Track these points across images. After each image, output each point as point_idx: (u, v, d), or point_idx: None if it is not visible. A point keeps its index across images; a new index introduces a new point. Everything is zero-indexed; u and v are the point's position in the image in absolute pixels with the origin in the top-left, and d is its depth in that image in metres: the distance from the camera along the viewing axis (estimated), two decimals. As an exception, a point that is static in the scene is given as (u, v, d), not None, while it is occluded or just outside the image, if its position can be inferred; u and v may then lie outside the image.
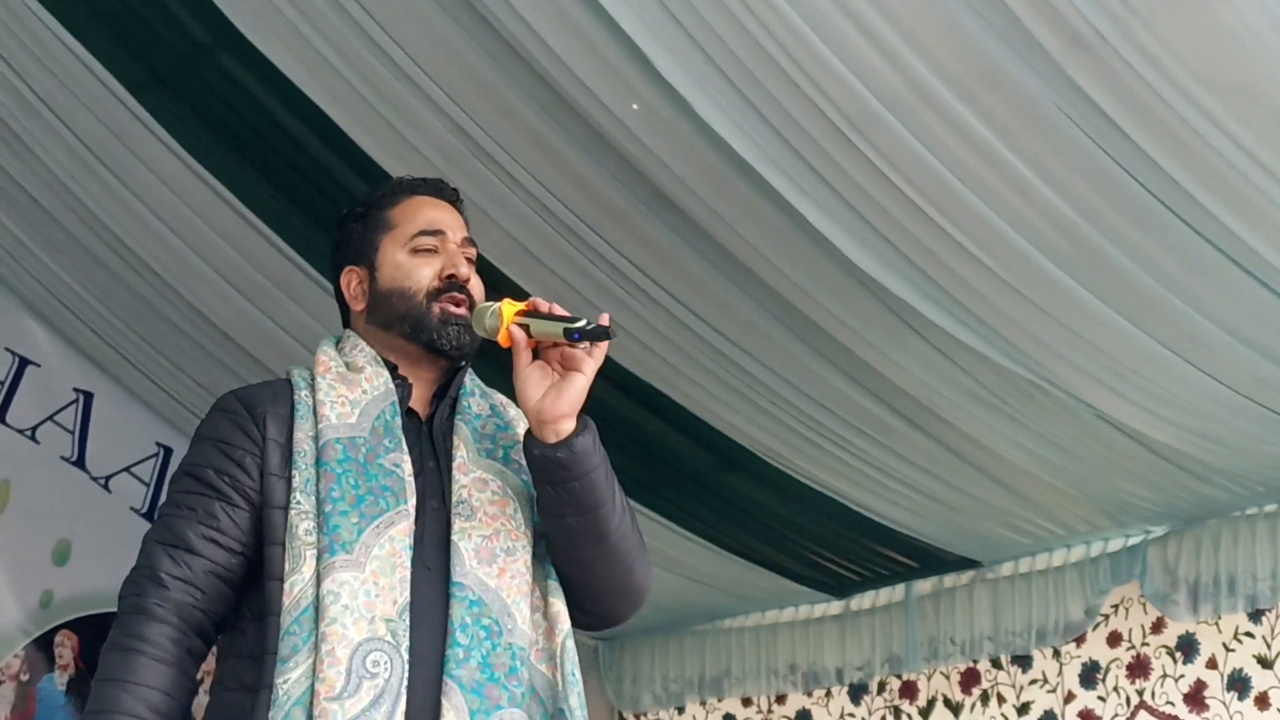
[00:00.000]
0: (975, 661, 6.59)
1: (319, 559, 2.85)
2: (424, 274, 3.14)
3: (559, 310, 3.06)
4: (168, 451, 6.84)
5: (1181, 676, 6.03)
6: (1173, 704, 6.05)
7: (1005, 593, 6.43)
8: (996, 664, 6.56)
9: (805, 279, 4.84)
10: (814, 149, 4.10)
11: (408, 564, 2.89)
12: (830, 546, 6.61)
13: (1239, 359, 4.77)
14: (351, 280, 3.18)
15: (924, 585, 6.69)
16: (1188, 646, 6.05)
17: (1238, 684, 5.88)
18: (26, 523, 6.49)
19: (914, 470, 5.83)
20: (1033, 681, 6.45)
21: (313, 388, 3.05)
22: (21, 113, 5.39)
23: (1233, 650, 5.92)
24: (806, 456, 5.85)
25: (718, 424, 5.79)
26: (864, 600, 6.90)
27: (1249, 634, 5.88)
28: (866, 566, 6.72)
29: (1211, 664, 5.97)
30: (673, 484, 6.34)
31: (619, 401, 5.82)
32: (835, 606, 6.99)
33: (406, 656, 2.83)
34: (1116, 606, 6.24)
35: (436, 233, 3.20)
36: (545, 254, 5.09)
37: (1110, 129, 3.94)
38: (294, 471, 2.94)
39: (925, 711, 6.75)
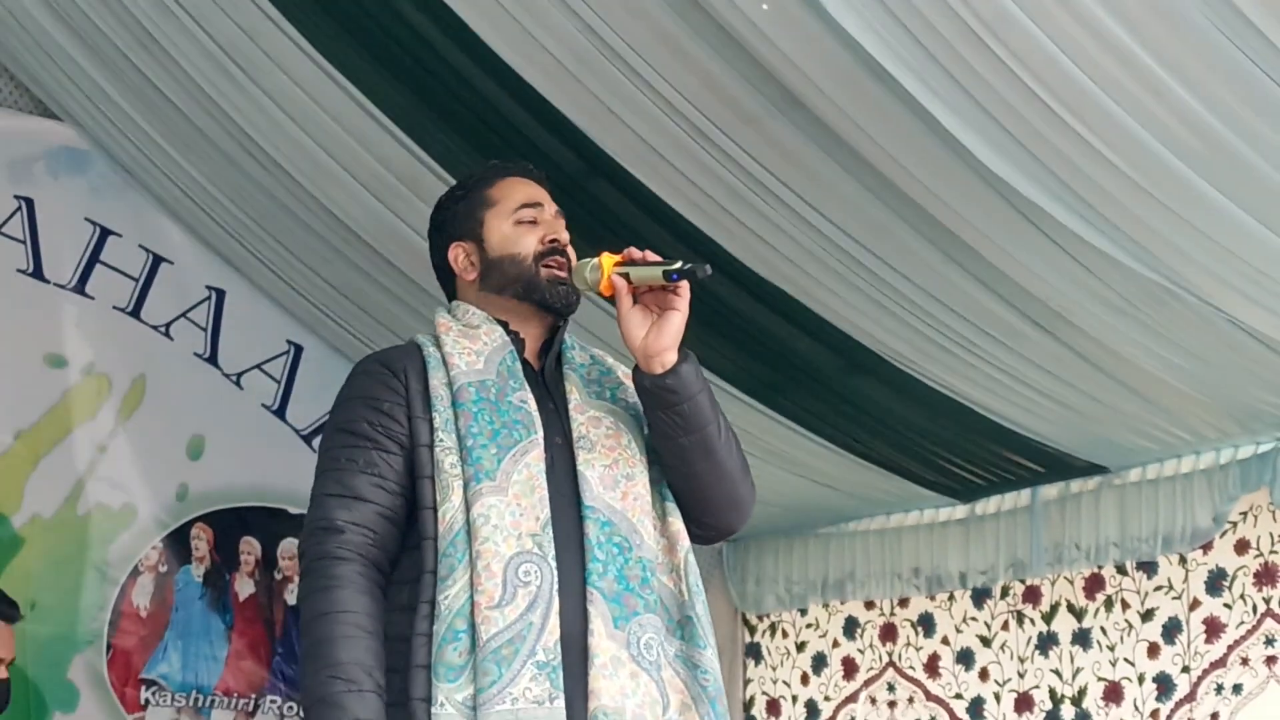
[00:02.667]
0: (1100, 567, 6.56)
1: (466, 488, 3.22)
2: (529, 241, 3.57)
3: (653, 256, 3.45)
4: (298, 349, 6.93)
5: (1309, 585, 6.02)
6: (1298, 611, 6.03)
7: (1132, 499, 6.38)
8: (1122, 570, 6.53)
9: (935, 182, 4.82)
10: (946, 50, 4.06)
11: (544, 485, 3.28)
12: (956, 450, 6.60)
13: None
14: (459, 254, 3.60)
15: (1050, 490, 6.65)
16: (1318, 556, 6.01)
17: (1363, 592, 5.86)
18: (161, 418, 6.61)
19: (1042, 375, 5.80)
20: (1158, 588, 6.43)
21: (438, 344, 3.44)
22: (156, 13, 5.45)
23: (1368, 559, 5.89)
24: (934, 360, 5.83)
25: (845, 326, 5.79)
26: (989, 505, 6.88)
27: (1378, 544, 5.85)
28: (992, 471, 6.70)
29: (1341, 573, 5.94)
30: (799, 386, 6.35)
31: (747, 305, 5.84)
32: (960, 511, 6.98)
33: (554, 564, 3.19)
34: (1245, 514, 6.18)
35: (535, 205, 3.64)
36: (675, 156, 5.09)
37: (1246, 27, 3.88)
38: (434, 414, 3.31)
39: (1048, 616, 6.74)
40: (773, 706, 7.68)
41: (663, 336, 3.38)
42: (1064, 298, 5.29)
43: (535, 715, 3.07)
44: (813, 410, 6.48)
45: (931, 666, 7.11)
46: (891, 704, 7.23)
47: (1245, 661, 6.14)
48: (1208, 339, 5.32)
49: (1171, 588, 6.39)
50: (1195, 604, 6.31)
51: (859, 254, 5.32)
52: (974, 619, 6.99)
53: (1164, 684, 6.36)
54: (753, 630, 7.84)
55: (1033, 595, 6.82)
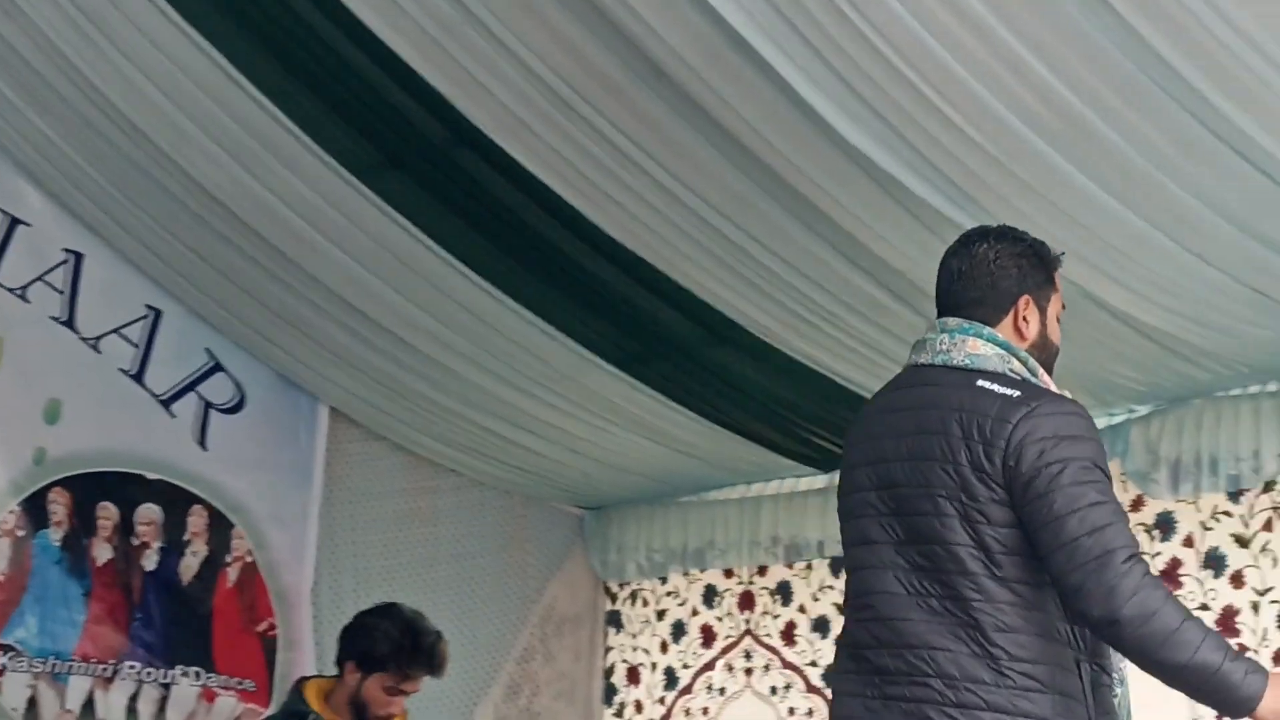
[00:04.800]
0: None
1: None
2: (1059, 338, 3.93)
3: None
4: (157, 314, 6.86)
5: (1158, 554, 6.07)
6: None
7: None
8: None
9: (797, 154, 4.85)
10: (809, 23, 4.10)
11: None
12: (816, 420, 6.66)
13: (1228, 241, 4.79)
14: (1027, 309, 3.80)
15: (908, 461, 6.72)
16: (1165, 525, 6.10)
17: (1213, 563, 5.94)
18: (17, 381, 6.53)
19: (902, 346, 5.75)
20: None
21: None
22: (13, -28, 5.38)
23: (1210, 529, 5.98)
24: (796, 331, 5.88)
25: (708, 298, 5.82)
26: (849, 474, 6.94)
27: (1226, 513, 5.94)
28: (853, 441, 6.76)
29: (1188, 542, 6.03)
30: (663, 356, 6.39)
31: (610, 274, 5.86)
32: (820, 480, 7.04)
33: None
34: (1105, 484, 6.27)
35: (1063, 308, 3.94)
36: (540, 126, 5.10)
37: (1103, 7, 3.95)
38: None
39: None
40: (632, 674, 7.72)
41: None
42: (923, 270, 5.32)
43: None
44: (675, 380, 6.52)
45: (788, 634, 7.18)
46: (748, 671, 7.30)
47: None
48: (1064, 313, 5.38)
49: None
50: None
51: (722, 226, 5.35)
52: (831, 587, 7.05)
53: None
54: (614, 598, 7.88)
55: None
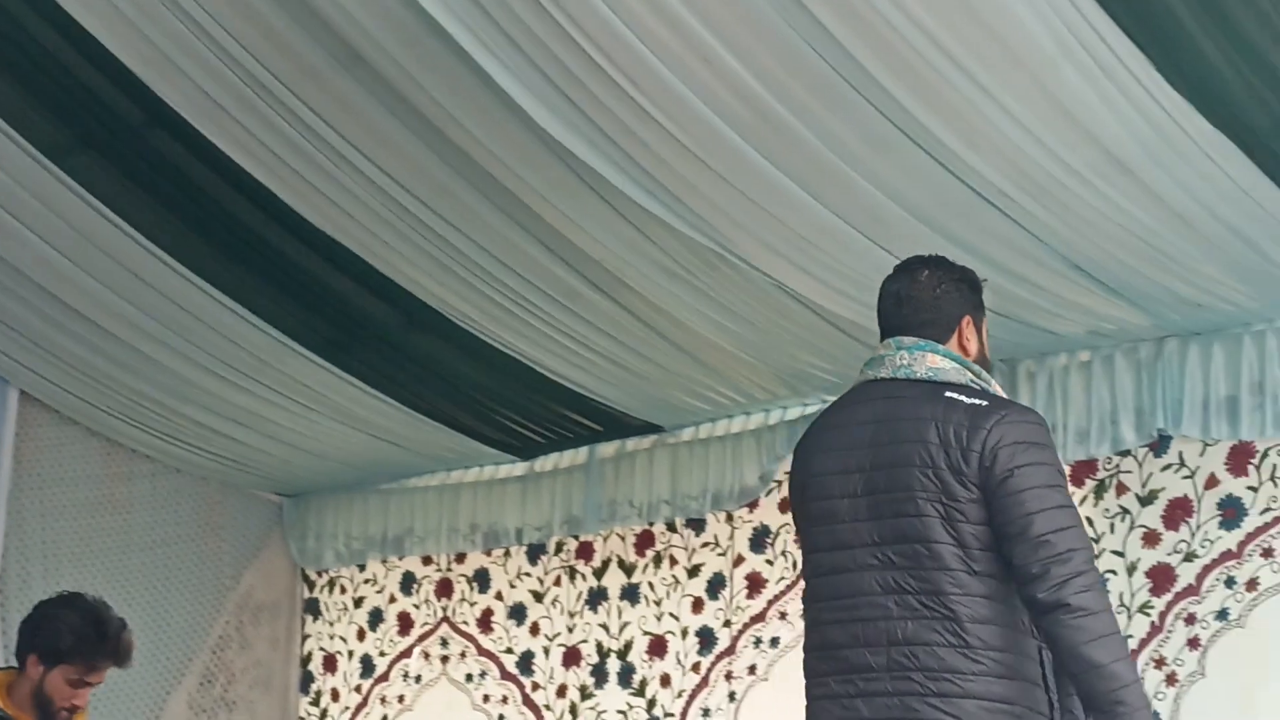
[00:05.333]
0: (651, 524, 6.75)
1: None
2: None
3: None
4: None
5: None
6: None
7: (684, 457, 6.58)
8: (671, 527, 6.72)
9: (495, 142, 4.87)
10: (504, 11, 4.13)
11: None
12: (516, 408, 6.70)
13: (916, 235, 4.92)
14: (969, 327, 4.06)
15: (607, 449, 6.81)
16: (856, 513, 6.22)
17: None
18: None
19: (600, 336, 5.93)
20: (705, 544, 6.63)
21: None
22: None
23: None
24: (495, 320, 5.90)
25: (408, 284, 5.82)
26: (547, 462, 7.01)
27: (914, 502, 6.08)
28: (551, 429, 6.82)
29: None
30: (363, 343, 6.36)
31: (309, 260, 5.82)
32: (519, 468, 7.09)
33: None
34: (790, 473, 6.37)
35: None
36: (236, 108, 5.04)
37: (795, 5, 4.03)
38: None
39: (599, 572, 6.89)
40: (329, 662, 7.69)
41: None
42: (620, 261, 5.41)
43: None
44: (376, 367, 6.50)
45: (485, 621, 7.21)
46: (444, 658, 7.31)
47: (784, 616, 6.37)
48: (756, 304, 5.50)
49: (718, 544, 6.59)
50: (739, 560, 6.52)
51: (421, 213, 5.35)
52: (528, 574, 7.11)
53: (706, 637, 6.56)
54: (312, 586, 7.83)
55: (586, 551, 6.96)
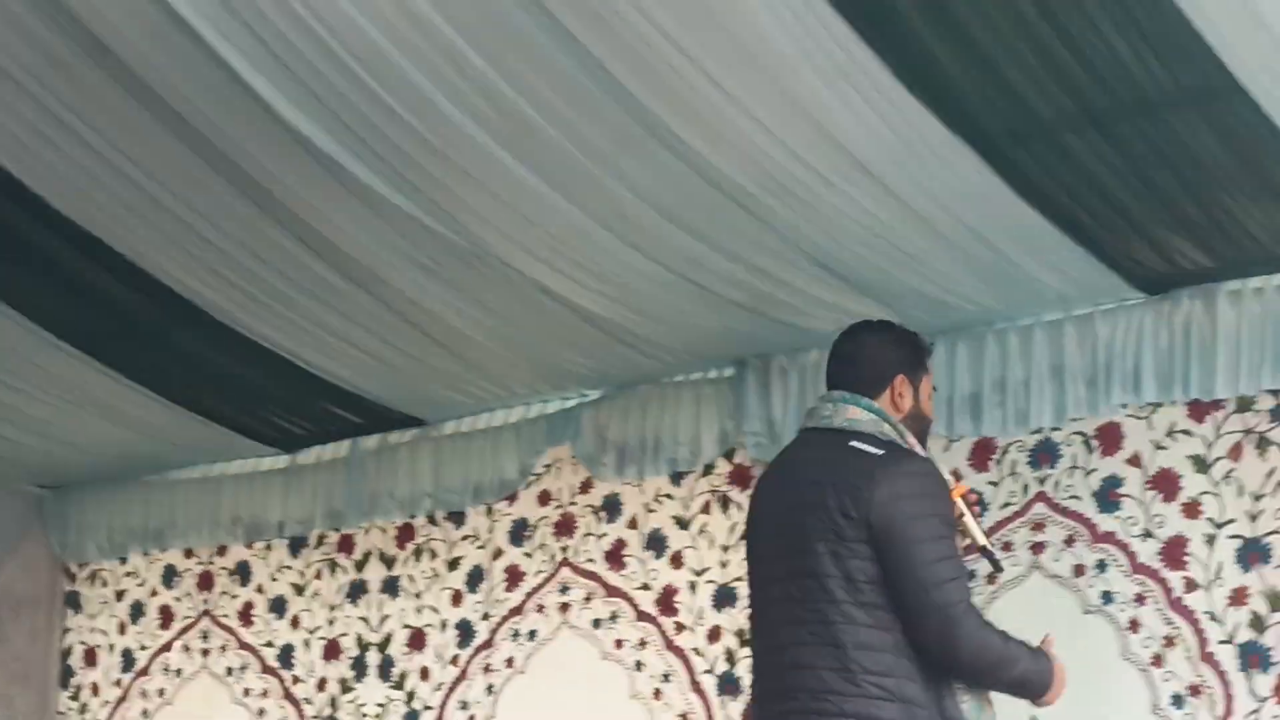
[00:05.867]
0: (413, 517, 6.75)
1: None
2: (931, 411, 4.54)
3: (979, 524, 4.46)
4: None
5: (604, 535, 6.30)
6: (593, 561, 6.32)
7: (446, 451, 6.60)
8: (432, 520, 6.73)
9: (243, 135, 4.83)
10: (246, 4, 4.12)
11: None
12: (277, 402, 6.68)
13: (665, 236, 5.01)
14: (902, 385, 4.42)
15: (369, 442, 6.81)
16: (611, 507, 6.30)
17: (655, 544, 6.18)
18: None
19: (358, 330, 5.93)
20: (465, 537, 6.65)
21: None
22: None
23: (653, 511, 6.21)
24: (252, 313, 5.88)
25: (164, 278, 5.76)
26: (310, 455, 6.99)
27: (669, 495, 6.18)
28: (313, 422, 6.81)
29: (632, 524, 6.25)
30: (120, 336, 6.29)
31: (65, 252, 5.74)
32: (281, 461, 7.07)
33: None
34: (549, 466, 6.45)
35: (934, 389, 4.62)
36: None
37: (536, 6, 4.08)
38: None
39: (360, 565, 6.90)
40: (90, 655, 7.62)
41: None
42: (375, 256, 5.41)
43: None
44: (135, 360, 6.44)
45: (245, 615, 7.18)
46: (205, 652, 7.27)
47: (541, 609, 6.43)
48: (513, 300, 5.54)
49: (478, 537, 6.62)
50: (499, 553, 6.56)
51: (174, 206, 5.30)
52: (289, 567, 7.09)
53: (465, 630, 6.60)
54: (73, 579, 7.75)
55: (346, 544, 6.96)
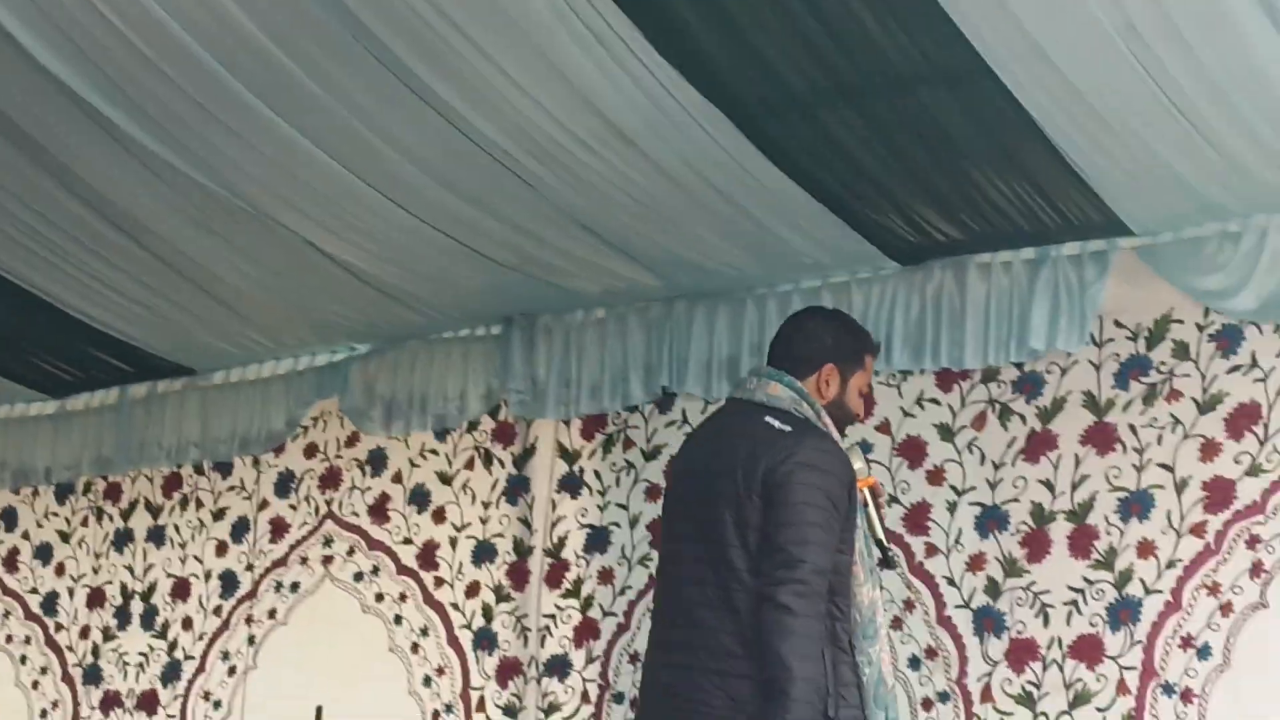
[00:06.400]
0: (180, 466, 6.75)
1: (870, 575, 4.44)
2: (860, 407, 4.65)
3: (880, 517, 4.60)
4: None
5: (369, 489, 6.34)
6: (357, 514, 6.36)
7: (214, 401, 6.60)
8: (199, 470, 6.73)
9: (6, 82, 4.78)
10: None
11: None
12: (45, 347, 6.63)
13: (431, 195, 5.05)
14: (830, 374, 4.54)
15: (138, 390, 6.78)
16: (377, 461, 6.34)
17: (419, 499, 6.23)
18: None
19: (125, 278, 5.90)
20: (231, 488, 6.66)
21: None
22: None
23: (418, 466, 6.25)
24: (19, 259, 5.82)
25: (-69, 226, 5.71)
26: (79, 402, 6.94)
27: (434, 451, 6.22)
28: (82, 369, 6.76)
29: (397, 478, 6.29)
30: (-115, 279, 6.21)
31: None
32: (50, 406, 7.01)
33: None
34: (316, 419, 6.48)
35: (871, 389, 4.80)
36: None
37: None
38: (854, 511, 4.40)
39: (126, 513, 6.87)
40: None
41: None
42: (143, 207, 5.40)
43: None
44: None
45: (10, 561, 7.11)
46: (-15, 599, 7.22)
47: (305, 561, 6.46)
48: (281, 255, 5.55)
49: (244, 488, 6.63)
50: (264, 504, 6.58)
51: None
52: (55, 514, 7.05)
53: (228, 581, 6.60)
54: None
55: (113, 492, 6.93)
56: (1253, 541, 4.87)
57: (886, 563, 4.64)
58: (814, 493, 4.26)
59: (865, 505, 4.49)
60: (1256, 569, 4.86)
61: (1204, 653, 4.90)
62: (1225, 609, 4.89)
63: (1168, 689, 4.94)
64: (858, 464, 4.48)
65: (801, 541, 4.20)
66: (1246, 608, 4.87)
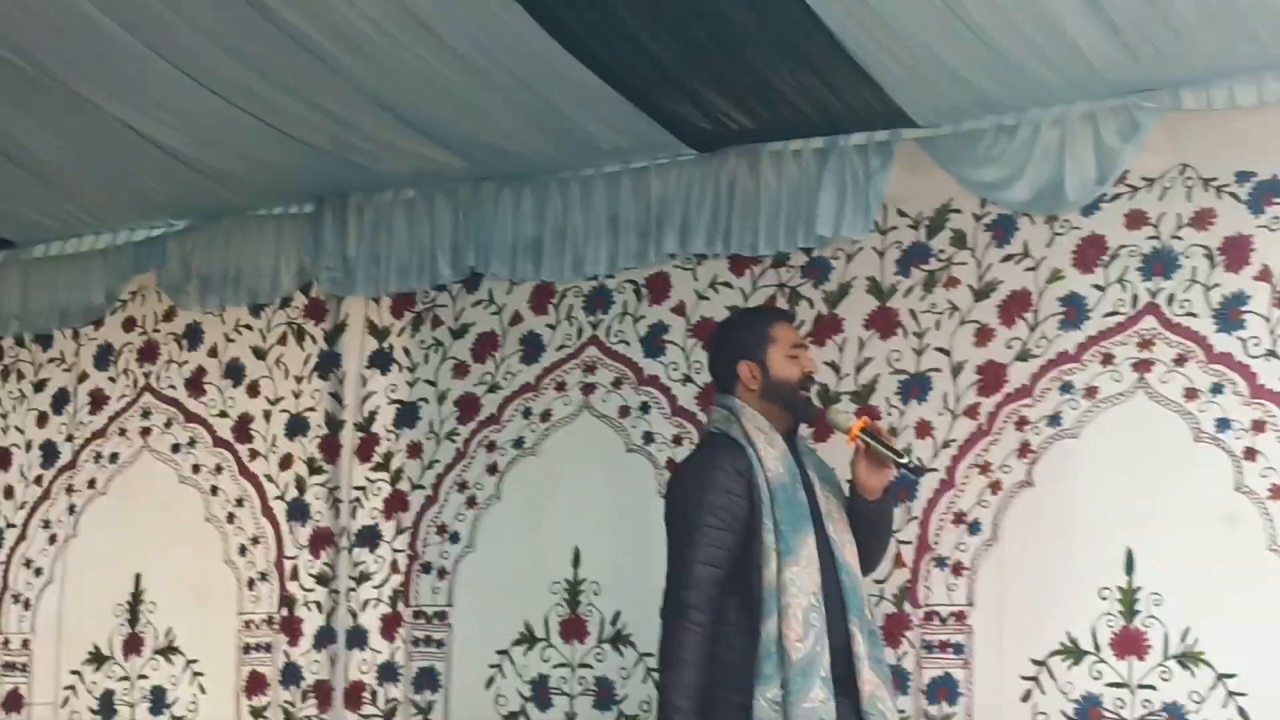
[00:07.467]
0: (1, 338, 6.83)
1: (779, 559, 4.56)
2: (795, 371, 4.78)
3: (887, 438, 4.75)
4: None
5: (185, 363, 6.45)
6: (175, 387, 6.47)
7: (34, 273, 6.65)
8: (20, 342, 6.81)
9: None
10: None
11: (817, 558, 4.61)
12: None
13: (232, 74, 5.11)
14: (747, 370, 4.75)
15: (-52, 256, 6.80)
16: (193, 335, 6.45)
17: (233, 373, 6.35)
18: None
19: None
20: (51, 360, 6.75)
21: (754, 448, 4.68)
22: None
23: (233, 341, 6.37)
24: None
25: None
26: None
27: (248, 326, 6.34)
28: (-96, 240, 6.78)
29: (213, 352, 6.41)
30: None
31: None
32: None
33: (824, 611, 4.57)
34: (135, 294, 6.57)
35: (800, 346, 4.86)
36: None
37: None
38: (760, 503, 4.60)
39: (-52, 384, 6.94)
40: None
41: (880, 482, 4.75)
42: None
43: (822, 713, 4.47)
44: None
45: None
46: None
47: (124, 432, 6.57)
48: (90, 130, 5.57)
49: (64, 360, 6.72)
50: (84, 376, 6.67)
51: None
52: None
53: (49, 451, 6.70)
54: None
55: (-66, 363, 7.00)
56: (1021, 423, 5.10)
57: (917, 474, 4.93)
58: (675, 523, 4.67)
59: (868, 447, 4.69)
60: (1024, 449, 5.09)
61: (974, 528, 5.13)
62: (994, 487, 5.12)
63: (940, 562, 5.17)
64: (840, 418, 4.81)
65: (671, 574, 4.61)
66: (1014, 486, 5.10)
